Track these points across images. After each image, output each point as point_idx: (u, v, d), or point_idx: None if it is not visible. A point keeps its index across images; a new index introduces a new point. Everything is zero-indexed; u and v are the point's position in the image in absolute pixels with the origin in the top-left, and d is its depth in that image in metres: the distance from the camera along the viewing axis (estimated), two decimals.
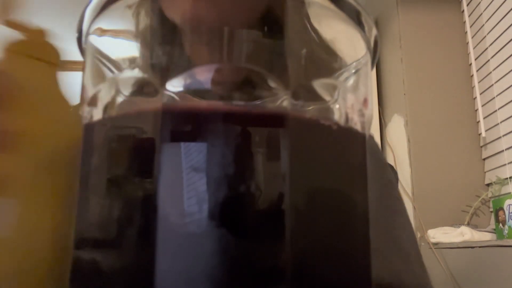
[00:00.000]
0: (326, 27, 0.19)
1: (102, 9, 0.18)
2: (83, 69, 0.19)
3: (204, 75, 0.16)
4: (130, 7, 0.18)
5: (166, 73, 0.16)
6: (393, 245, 0.39)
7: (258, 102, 0.17)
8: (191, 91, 0.16)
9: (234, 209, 0.14)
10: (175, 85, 0.16)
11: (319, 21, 0.19)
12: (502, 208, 1.31)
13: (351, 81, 0.19)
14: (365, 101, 0.19)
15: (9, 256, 0.20)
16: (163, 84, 0.16)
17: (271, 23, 0.17)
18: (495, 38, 1.60)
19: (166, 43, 0.18)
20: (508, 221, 1.28)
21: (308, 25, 0.18)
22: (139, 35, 0.19)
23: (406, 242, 0.40)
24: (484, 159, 1.71)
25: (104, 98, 0.18)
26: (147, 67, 0.17)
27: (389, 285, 0.35)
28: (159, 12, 0.18)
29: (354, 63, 0.20)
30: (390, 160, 1.84)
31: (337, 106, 0.18)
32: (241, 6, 0.18)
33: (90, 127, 0.18)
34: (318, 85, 0.17)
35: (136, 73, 0.17)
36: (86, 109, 0.18)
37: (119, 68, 0.18)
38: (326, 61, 0.19)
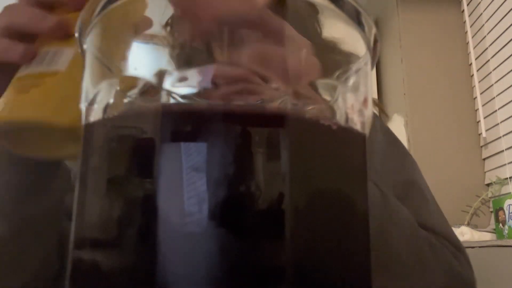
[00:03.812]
0: (326, 27, 0.19)
1: (102, 9, 0.18)
2: (83, 69, 0.19)
3: (204, 76, 0.16)
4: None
5: (166, 73, 0.16)
6: (416, 190, 0.46)
7: (258, 102, 0.17)
8: (191, 91, 0.16)
9: (234, 209, 0.14)
10: (175, 85, 0.16)
11: (319, 21, 0.19)
12: (502, 208, 1.31)
13: (351, 81, 0.19)
14: (365, 101, 0.19)
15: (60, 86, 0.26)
16: (163, 84, 0.16)
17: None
18: (495, 38, 1.60)
19: (167, 43, 0.18)
20: (508, 221, 1.28)
21: (318, 26, 0.18)
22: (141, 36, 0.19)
23: (425, 188, 0.48)
24: (484, 159, 1.71)
25: (104, 98, 0.18)
26: (147, 66, 0.17)
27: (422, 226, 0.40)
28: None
29: (355, 64, 0.20)
30: None
31: (337, 106, 0.18)
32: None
33: (90, 127, 0.18)
34: (318, 85, 0.17)
35: (136, 73, 0.17)
36: (86, 109, 0.18)
37: (119, 68, 0.18)
38: (329, 60, 0.19)
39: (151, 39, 0.18)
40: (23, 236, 0.34)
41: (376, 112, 0.59)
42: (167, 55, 0.18)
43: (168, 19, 0.17)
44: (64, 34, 0.28)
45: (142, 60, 0.18)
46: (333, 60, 0.19)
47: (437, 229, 0.42)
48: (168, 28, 0.18)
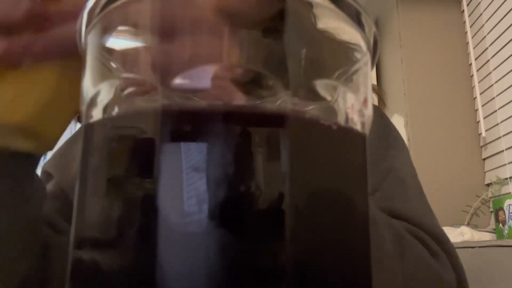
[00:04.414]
0: (325, 25, 0.19)
1: (102, 9, 0.18)
2: (83, 69, 0.19)
3: (204, 75, 0.16)
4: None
5: (166, 73, 0.16)
6: (393, 178, 0.41)
7: (258, 102, 0.17)
8: (191, 91, 0.16)
9: (234, 209, 0.14)
10: (175, 85, 0.16)
11: (319, 21, 0.19)
12: (502, 208, 1.31)
13: (351, 81, 0.19)
14: (365, 101, 0.19)
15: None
16: (163, 84, 0.16)
17: (277, 23, 0.17)
18: (495, 38, 1.60)
19: (167, 42, 0.18)
20: (508, 221, 1.28)
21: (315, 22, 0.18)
22: (141, 35, 0.19)
23: (407, 178, 0.43)
24: (484, 159, 1.71)
25: (104, 98, 0.18)
26: (148, 66, 0.17)
27: (382, 209, 0.37)
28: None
29: (354, 63, 0.20)
30: None
31: (337, 106, 0.18)
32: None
33: (90, 127, 0.18)
34: (319, 85, 0.17)
35: (136, 72, 0.17)
36: (86, 109, 0.18)
37: (119, 68, 0.18)
38: (329, 59, 0.19)
39: (136, 36, 0.18)
40: (3, 250, 0.32)
41: (375, 100, 0.56)
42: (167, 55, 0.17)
43: None
44: (38, 25, 0.25)
45: (143, 59, 0.18)
46: (333, 59, 0.19)
47: (412, 220, 0.38)
48: None
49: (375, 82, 2.01)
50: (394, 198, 0.40)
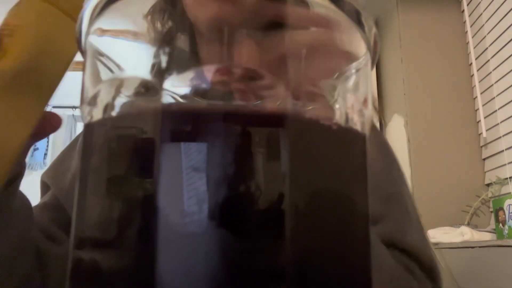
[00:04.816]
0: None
1: (102, 9, 0.18)
2: (83, 69, 0.19)
3: (204, 75, 0.16)
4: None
5: (166, 73, 0.16)
6: (400, 205, 0.45)
7: (258, 102, 0.17)
8: (191, 91, 0.16)
9: (234, 209, 0.14)
10: (175, 85, 0.16)
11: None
12: (502, 208, 1.31)
13: (351, 81, 0.19)
14: (365, 101, 0.19)
15: None
16: (163, 84, 0.16)
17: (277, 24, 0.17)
18: (495, 38, 1.60)
19: (167, 43, 0.18)
20: (508, 221, 1.28)
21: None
22: (141, 35, 0.19)
23: (408, 200, 0.47)
24: (484, 159, 1.71)
25: (104, 98, 0.18)
26: (148, 67, 0.17)
27: (392, 240, 0.40)
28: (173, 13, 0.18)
29: (354, 63, 0.20)
30: None
31: (337, 106, 0.18)
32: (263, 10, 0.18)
33: (90, 127, 0.18)
34: (319, 85, 0.17)
35: (136, 73, 0.17)
36: (86, 109, 0.18)
37: (119, 68, 0.18)
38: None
39: (136, 36, 0.18)
40: None
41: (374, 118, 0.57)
42: (155, 52, 0.17)
43: (150, 8, 0.17)
44: None
45: (138, 59, 0.18)
46: (332, 61, 0.19)
47: (410, 248, 0.41)
48: (149, 18, 0.18)
49: (375, 82, 2.01)
50: (403, 227, 0.42)
